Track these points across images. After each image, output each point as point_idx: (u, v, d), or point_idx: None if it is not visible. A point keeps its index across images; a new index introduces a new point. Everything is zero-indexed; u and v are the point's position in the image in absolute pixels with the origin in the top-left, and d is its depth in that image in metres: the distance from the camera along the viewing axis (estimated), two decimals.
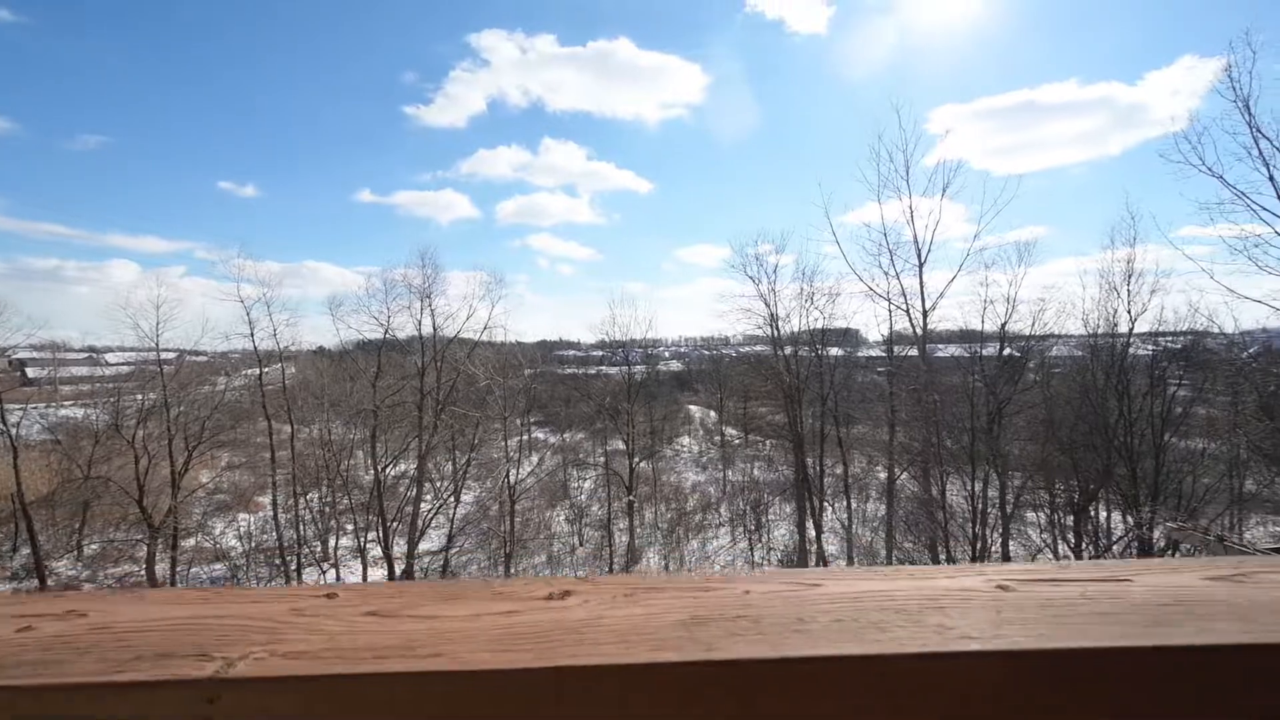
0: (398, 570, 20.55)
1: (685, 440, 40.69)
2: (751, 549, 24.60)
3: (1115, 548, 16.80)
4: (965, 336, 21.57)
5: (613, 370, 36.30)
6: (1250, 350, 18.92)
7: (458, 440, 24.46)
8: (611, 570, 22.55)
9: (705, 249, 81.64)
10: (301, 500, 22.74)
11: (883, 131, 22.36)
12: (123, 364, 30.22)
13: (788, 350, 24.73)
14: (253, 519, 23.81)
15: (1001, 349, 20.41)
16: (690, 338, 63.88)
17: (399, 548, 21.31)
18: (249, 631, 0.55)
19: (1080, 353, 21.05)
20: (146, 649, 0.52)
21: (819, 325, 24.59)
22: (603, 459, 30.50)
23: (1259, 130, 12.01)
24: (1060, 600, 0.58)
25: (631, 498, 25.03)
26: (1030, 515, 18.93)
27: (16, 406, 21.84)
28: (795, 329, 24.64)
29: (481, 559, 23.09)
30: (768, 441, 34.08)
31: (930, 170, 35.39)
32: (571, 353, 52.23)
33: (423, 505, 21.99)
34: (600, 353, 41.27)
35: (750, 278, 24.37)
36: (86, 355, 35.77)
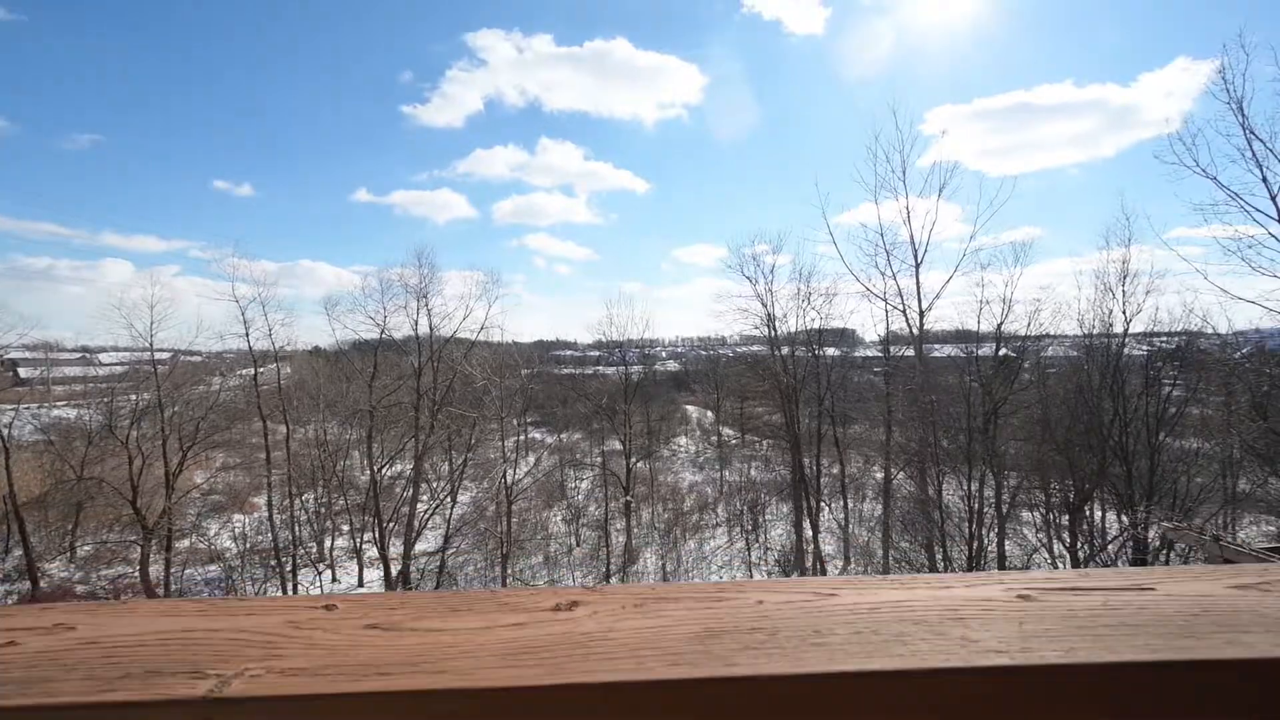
0: (394, 571, 20.47)
1: (682, 440, 40.70)
2: (749, 549, 24.61)
3: (1110, 547, 16.87)
4: (961, 337, 21.65)
5: (610, 370, 36.30)
6: (1243, 350, 19.04)
7: (454, 440, 24.41)
8: (609, 571, 22.52)
9: (702, 249, 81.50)
10: (297, 501, 22.62)
11: (880, 132, 22.57)
12: (116, 364, 30.04)
13: (784, 350, 24.77)
14: (248, 520, 23.68)
15: (997, 349, 20.48)
16: (687, 338, 63.91)
17: (395, 548, 21.23)
18: (244, 646, 0.52)
19: (1075, 353, 21.16)
20: (136, 666, 0.49)
21: (816, 325, 24.67)
22: (600, 459, 30.47)
23: (1252, 132, 12.11)
24: (1083, 610, 0.56)
25: (629, 498, 25.01)
26: (1026, 515, 19.00)
27: (9, 407, 21.69)
28: (792, 329, 24.71)
29: (478, 560, 23.02)
30: (765, 441, 34.13)
31: (927, 171, 35.55)
32: (568, 353, 52.17)
33: (419, 506, 21.92)
34: (597, 353, 41.23)
35: (747, 278, 24.43)
36: (80, 355, 35.50)
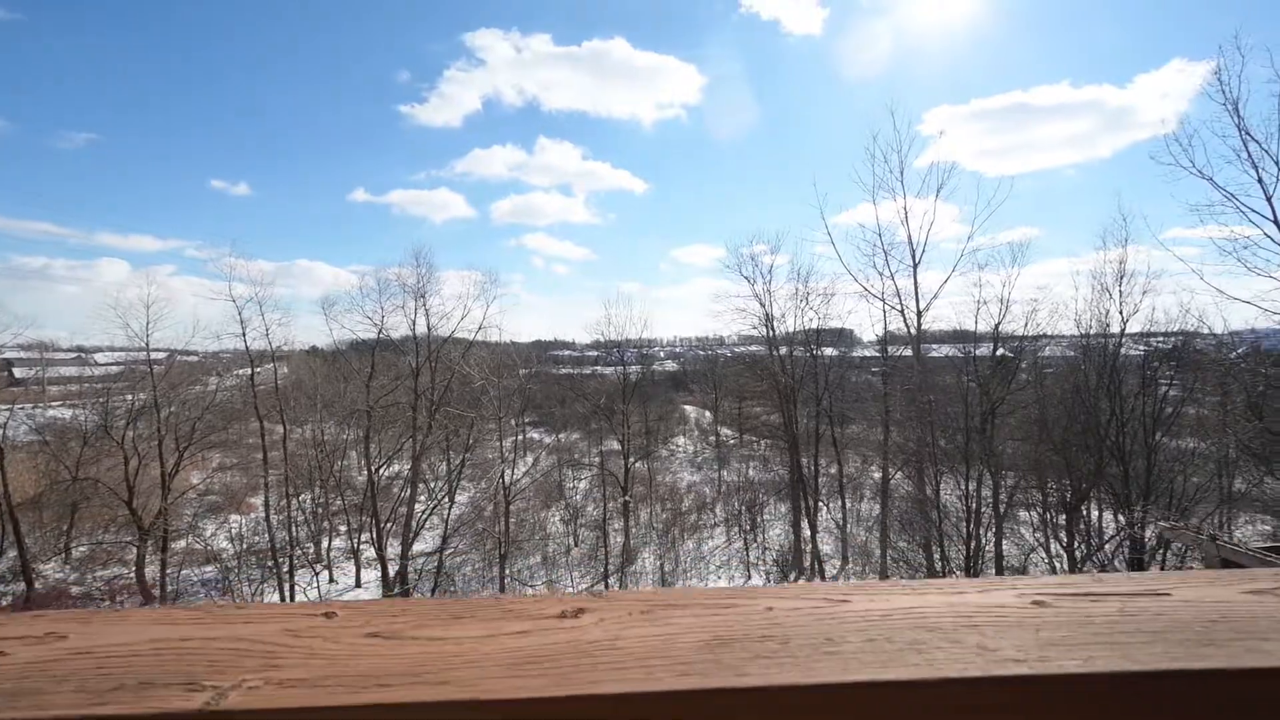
0: (391, 571, 20.42)
1: (680, 440, 40.73)
2: (747, 549, 24.63)
3: (1107, 547, 16.93)
4: (959, 337, 21.69)
5: (608, 370, 36.28)
6: (1239, 350, 19.13)
7: (452, 441, 24.38)
8: (607, 571, 22.50)
9: (701, 249, 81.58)
10: (294, 501, 22.56)
11: (878, 132, 22.47)
12: (112, 364, 29.89)
13: (783, 350, 24.80)
14: (245, 520, 23.59)
15: (995, 349, 20.54)
16: (685, 338, 63.99)
17: (393, 549, 21.18)
18: (242, 656, 0.51)
19: (1072, 353, 21.22)
20: (129, 677, 0.47)
21: (814, 325, 24.72)
22: (598, 459, 30.47)
23: (1248, 133, 12.17)
24: (1100, 617, 0.55)
25: (627, 498, 25.00)
26: (1023, 515, 19.06)
27: (4, 407, 21.54)
28: (790, 329, 24.75)
29: (476, 560, 22.99)
30: (763, 441, 34.16)
31: (924, 171, 35.60)
32: (567, 353, 52.16)
33: (417, 506, 21.88)
34: (595, 353, 41.22)
35: (745, 278, 24.45)
36: (75, 355, 35.33)
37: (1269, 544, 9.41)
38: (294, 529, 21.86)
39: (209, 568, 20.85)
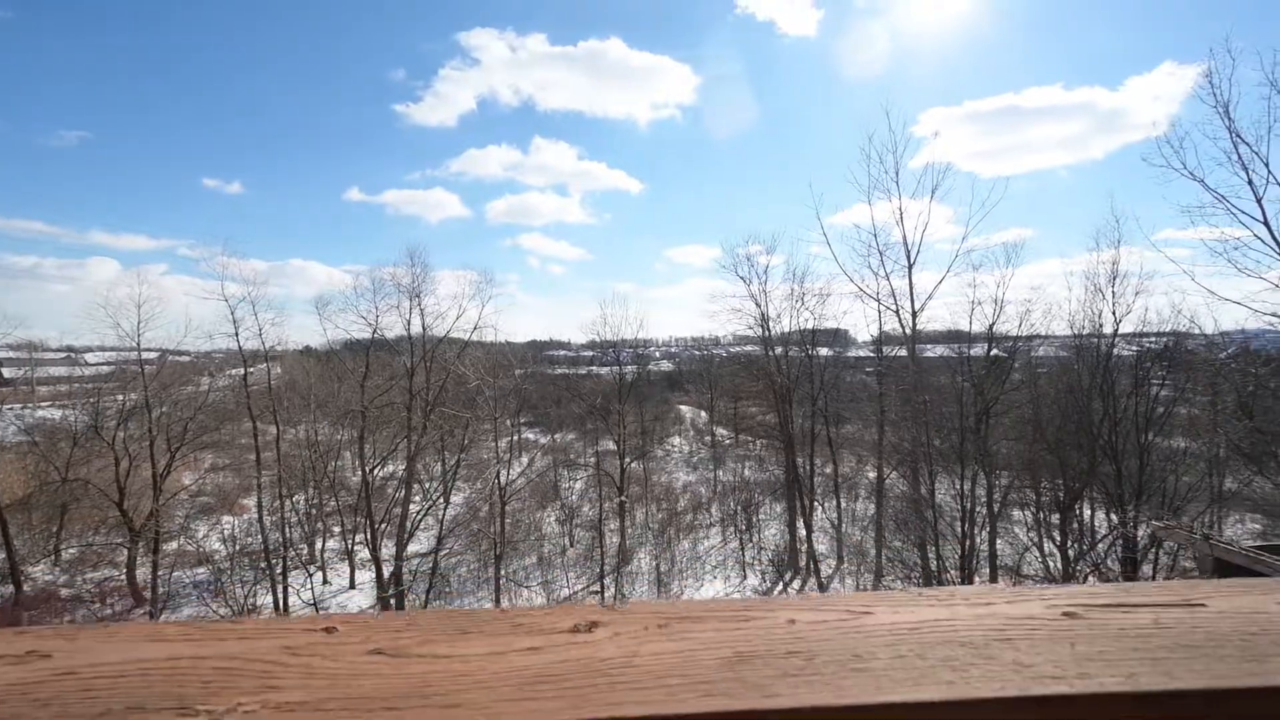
0: (386, 573, 20.29)
1: (676, 440, 40.72)
2: (742, 549, 24.65)
3: (1100, 546, 17.03)
4: (953, 337, 21.78)
5: (603, 370, 36.21)
6: (1229, 351, 19.29)
7: (447, 441, 24.22)
8: (603, 571, 22.45)
9: (696, 249, 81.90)
10: (288, 502, 22.37)
11: (873, 133, 22.51)
12: (102, 364, 29.60)
13: (778, 350, 24.83)
14: (237, 522, 23.38)
15: (989, 349, 20.62)
16: (681, 338, 63.98)
17: (387, 550, 21.05)
18: (236, 676, 0.47)
19: (1066, 353, 21.35)
20: (116, 701, 0.44)
21: (809, 325, 24.76)
22: (593, 459, 30.42)
23: (1238, 135, 12.24)
24: (1134, 630, 0.53)
25: (623, 498, 24.97)
26: (1017, 514, 19.15)
27: None
28: (785, 329, 24.79)
29: (471, 561, 22.89)
30: (758, 441, 34.20)
31: (919, 172, 35.70)
32: (562, 353, 52.07)
33: (411, 507, 21.75)
34: (591, 353, 41.14)
35: (741, 278, 24.48)
36: (65, 355, 34.97)
37: (1260, 543, 9.49)
38: (287, 530, 21.70)
39: (201, 570, 20.65)
